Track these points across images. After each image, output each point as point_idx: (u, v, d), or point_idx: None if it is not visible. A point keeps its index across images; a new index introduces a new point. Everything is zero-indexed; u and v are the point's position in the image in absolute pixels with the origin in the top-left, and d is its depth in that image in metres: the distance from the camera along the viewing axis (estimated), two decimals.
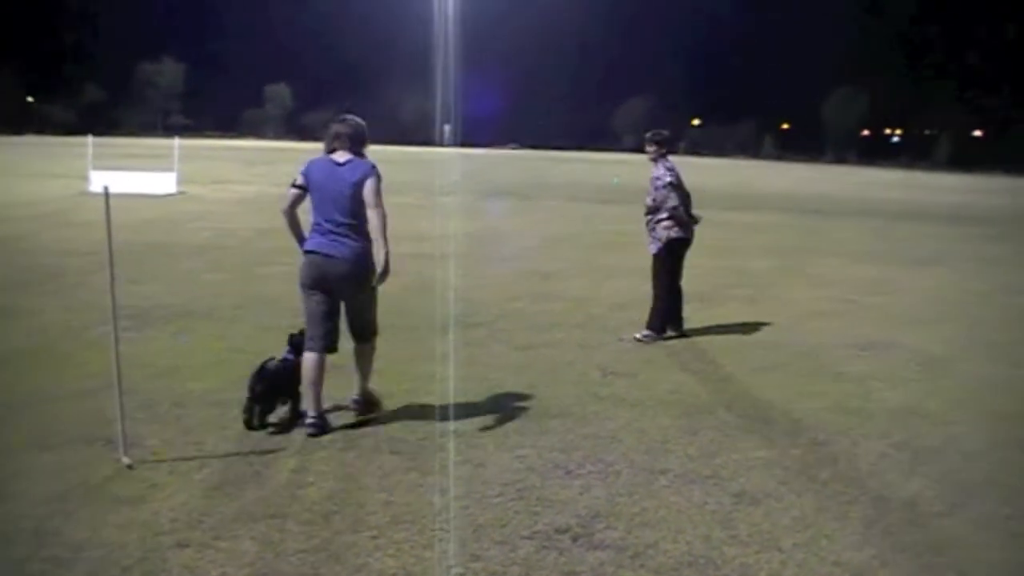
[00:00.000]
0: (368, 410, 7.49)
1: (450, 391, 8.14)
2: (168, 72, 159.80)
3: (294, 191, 7.19)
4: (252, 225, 20.77)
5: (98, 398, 7.38)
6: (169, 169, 30.53)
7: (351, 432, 6.95)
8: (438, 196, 31.99)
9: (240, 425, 6.96)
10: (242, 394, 7.13)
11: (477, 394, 8.13)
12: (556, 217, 27.09)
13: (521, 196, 36.46)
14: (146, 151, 60.49)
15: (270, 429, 7.05)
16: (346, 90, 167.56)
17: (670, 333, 10.97)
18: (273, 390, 7.13)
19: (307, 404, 7.13)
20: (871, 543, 5.42)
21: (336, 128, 7.19)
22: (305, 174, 7.15)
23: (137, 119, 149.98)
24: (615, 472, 6.37)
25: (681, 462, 6.64)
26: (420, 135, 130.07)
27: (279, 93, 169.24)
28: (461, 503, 5.73)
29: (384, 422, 7.26)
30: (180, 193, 29.20)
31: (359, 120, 7.31)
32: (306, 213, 7.20)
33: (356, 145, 7.16)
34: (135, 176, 30.26)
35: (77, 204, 24.36)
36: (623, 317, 11.86)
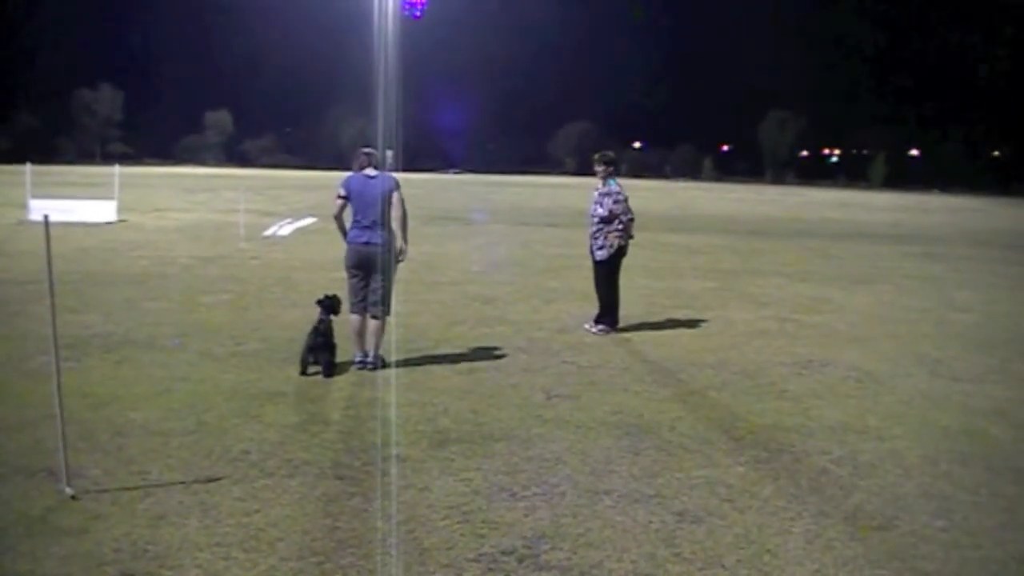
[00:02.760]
0: (380, 363, 10.04)
1: (393, 416, 8.15)
2: (106, 99, 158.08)
3: (340, 201, 10.00)
4: (193, 253, 20.61)
5: (39, 429, 7.32)
6: (109, 197, 30.22)
7: (294, 458, 6.93)
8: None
9: (184, 453, 6.94)
10: (185, 423, 7.40)
11: (421, 419, 8.13)
12: (498, 241, 27.14)
13: (463, 221, 36.52)
14: (84, 179, 59.93)
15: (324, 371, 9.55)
16: (286, 117, 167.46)
17: (604, 327, 12.60)
18: (328, 342, 9.64)
19: (355, 350, 10.02)
20: (812, 558, 5.50)
21: (363, 157, 10.03)
22: (346, 186, 9.92)
23: (75, 147, 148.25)
24: (559, 494, 6.41)
25: (624, 482, 6.69)
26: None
27: (219, 120, 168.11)
28: (406, 527, 5.74)
29: (328, 447, 7.25)
30: (120, 221, 28.89)
31: (375, 150, 10.18)
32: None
33: (376, 164, 10.01)
34: (74, 204, 29.94)
35: (15, 233, 24.06)
36: (565, 340, 11.92)
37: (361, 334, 9.96)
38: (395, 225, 9.87)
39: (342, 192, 9.94)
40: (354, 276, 9.94)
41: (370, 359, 9.98)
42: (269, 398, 8.62)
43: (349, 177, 10.01)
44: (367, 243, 9.76)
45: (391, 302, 10.11)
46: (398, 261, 9.99)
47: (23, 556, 5.17)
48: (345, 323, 10.04)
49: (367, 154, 10.07)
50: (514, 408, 8.59)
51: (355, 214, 9.89)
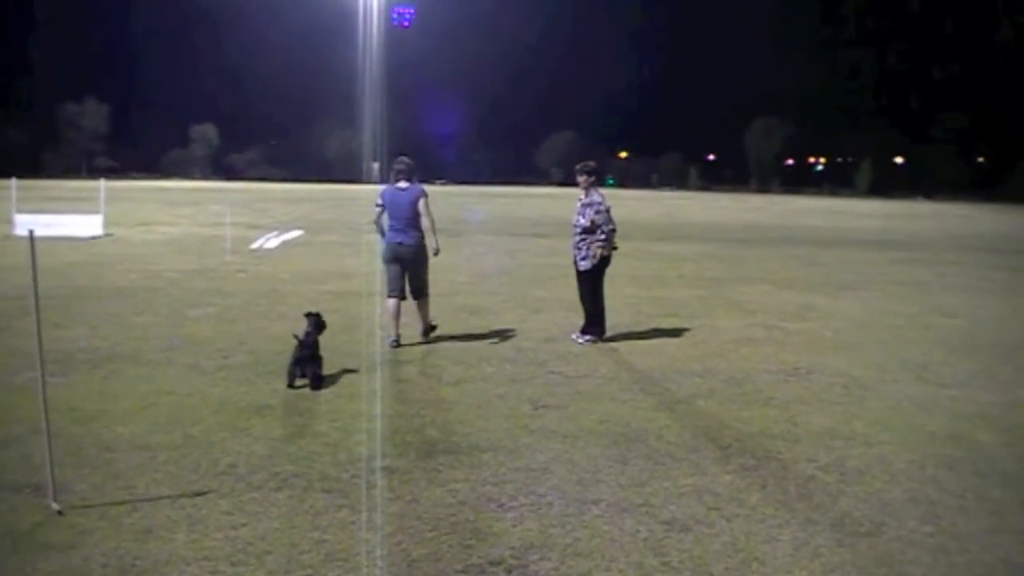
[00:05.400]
0: (429, 333, 12.37)
1: (379, 428, 8.14)
2: (91, 113, 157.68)
3: (377, 209, 11.96)
4: (179, 267, 20.57)
5: (25, 444, 7.30)
6: (95, 211, 30.14)
7: (282, 471, 6.92)
8: (365, 233, 31.79)
9: (171, 467, 6.93)
10: (172, 437, 7.49)
11: (408, 430, 8.13)
12: (485, 252, 27.12)
13: (450, 232, 36.52)
14: (71, 193, 59.84)
15: (324, 383, 9.57)
16: (272, 129, 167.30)
17: (590, 337, 12.65)
18: (314, 354, 9.59)
19: (389, 330, 11.96)
20: (800, 565, 5.51)
21: (397, 167, 11.91)
22: (383, 196, 11.83)
23: (60, 161, 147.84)
24: (547, 503, 6.41)
25: (612, 491, 6.69)
26: (347, 172, 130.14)
27: (205, 133, 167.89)
28: (394, 539, 5.73)
29: (315, 460, 7.24)
30: (106, 235, 28.82)
31: (409, 160, 12.00)
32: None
33: (410, 175, 11.94)
34: (60, 219, 29.87)
35: (0, 248, 23.99)
36: (553, 350, 11.93)
37: (396, 317, 11.93)
38: (425, 227, 11.82)
39: (379, 201, 11.91)
40: (391, 268, 11.96)
41: (422, 329, 12.31)
42: (256, 411, 8.60)
43: (384, 189, 11.95)
44: (400, 243, 11.79)
45: (428, 285, 12.20)
46: (435, 254, 11.92)
47: (10, 572, 5.16)
48: (332, 337, 10.06)
49: (400, 163, 11.96)
50: (501, 418, 8.59)
51: (390, 219, 11.87)
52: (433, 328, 12.46)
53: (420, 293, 12.07)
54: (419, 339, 12.23)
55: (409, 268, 11.89)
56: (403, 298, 11.94)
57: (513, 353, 11.71)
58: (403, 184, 11.84)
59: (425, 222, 11.78)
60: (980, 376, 11.15)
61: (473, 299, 16.46)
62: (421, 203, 11.74)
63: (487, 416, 8.67)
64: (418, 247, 11.86)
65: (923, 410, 9.38)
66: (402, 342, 11.90)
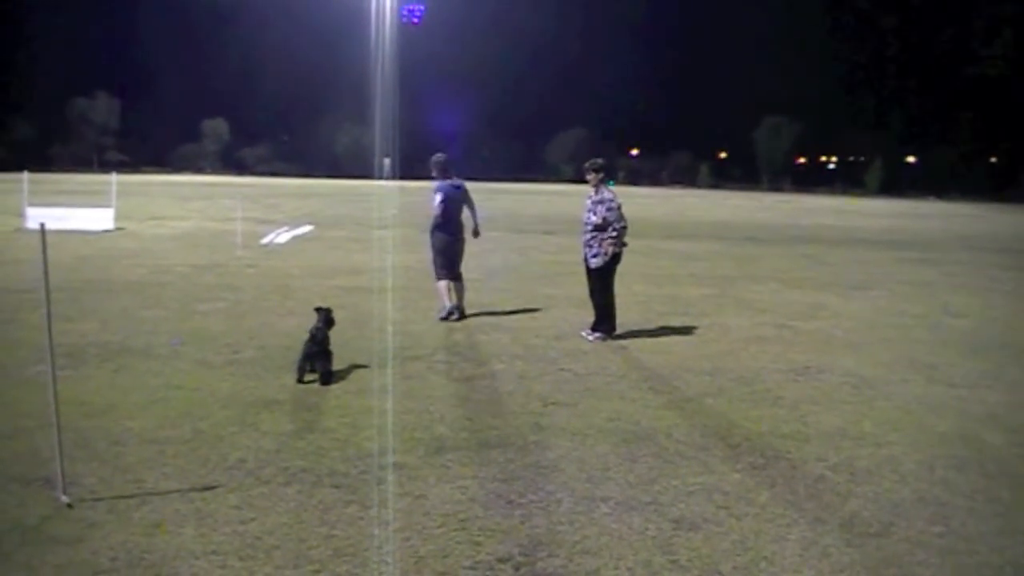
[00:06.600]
0: (463, 314, 13.96)
1: (389, 424, 8.14)
2: (102, 108, 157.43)
3: (441, 204, 13.76)
4: (190, 261, 20.59)
5: (34, 437, 7.31)
6: (106, 205, 30.12)
7: (291, 466, 6.92)
8: (376, 229, 31.82)
9: (180, 461, 6.94)
10: (181, 431, 7.53)
11: (417, 427, 8.13)
12: (495, 248, 27.05)
13: None
14: (82, 187, 59.90)
15: (333, 378, 9.61)
16: (283, 125, 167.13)
17: (600, 335, 12.66)
18: (324, 349, 9.64)
19: (443, 303, 13.92)
20: (809, 565, 5.50)
21: (442, 163, 14.04)
22: (443, 191, 13.85)
23: (71, 155, 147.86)
24: (556, 501, 6.41)
25: (621, 489, 6.69)
26: (357, 168, 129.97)
27: (216, 128, 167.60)
28: (402, 535, 5.73)
29: (324, 455, 7.25)
30: (117, 229, 28.83)
31: (447, 156, 14.24)
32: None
33: (454, 170, 14.22)
34: (71, 212, 29.85)
35: (12, 241, 24.03)
36: (562, 348, 11.92)
37: (447, 294, 13.93)
38: (471, 214, 14.39)
39: (440, 196, 13.83)
40: (444, 255, 13.91)
41: (457, 306, 13.94)
42: (265, 406, 8.61)
43: (441, 184, 13.97)
44: (453, 233, 13.99)
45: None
46: (476, 235, 14.54)
47: (19, 565, 5.17)
48: (341, 332, 10.07)
49: (442, 159, 14.16)
50: (511, 415, 8.59)
51: (445, 212, 13.86)
52: (464, 310, 14.10)
53: (461, 275, 14.15)
54: (444, 317, 13.76)
55: (458, 254, 14.08)
56: (453, 278, 13.97)
57: (522, 350, 11.71)
58: (456, 181, 14.07)
59: (474, 210, 14.44)
60: (989, 377, 11.13)
61: (482, 296, 16.43)
62: (470, 196, 14.24)
63: (497, 413, 8.67)
64: (461, 238, 14.15)
65: (932, 411, 9.36)
66: (413, 334, 11.95)
